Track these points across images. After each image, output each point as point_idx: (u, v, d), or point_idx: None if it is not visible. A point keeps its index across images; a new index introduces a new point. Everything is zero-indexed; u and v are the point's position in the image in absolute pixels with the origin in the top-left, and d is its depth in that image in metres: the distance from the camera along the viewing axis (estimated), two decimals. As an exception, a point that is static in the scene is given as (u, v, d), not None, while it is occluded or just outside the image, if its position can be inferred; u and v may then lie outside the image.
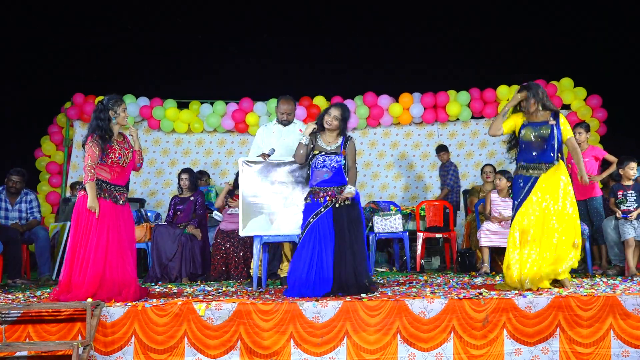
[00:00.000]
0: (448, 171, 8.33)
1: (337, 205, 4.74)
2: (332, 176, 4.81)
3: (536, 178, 4.87)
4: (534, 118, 4.97)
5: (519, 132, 4.98)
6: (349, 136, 4.96)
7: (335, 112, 4.84)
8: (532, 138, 4.91)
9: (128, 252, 4.67)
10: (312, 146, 4.89)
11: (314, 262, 4.64)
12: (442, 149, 8.47)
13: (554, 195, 4.85)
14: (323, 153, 4.84)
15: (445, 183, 8.35)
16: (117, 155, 4.63)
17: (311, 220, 4.74)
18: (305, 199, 4.88)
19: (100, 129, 4.58)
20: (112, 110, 4.64)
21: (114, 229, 4.60)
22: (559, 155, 4.93)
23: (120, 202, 4.69)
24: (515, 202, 4.96)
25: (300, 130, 5.45)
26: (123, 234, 4.66)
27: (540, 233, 4.82)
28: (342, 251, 4.67)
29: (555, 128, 4.88)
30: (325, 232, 4.71)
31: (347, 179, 4.83)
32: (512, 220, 4.98)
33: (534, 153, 4.91)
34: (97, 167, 4.57)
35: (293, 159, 5.05)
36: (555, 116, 4.93)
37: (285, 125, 5.67)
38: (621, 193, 6.15)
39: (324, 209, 4.76)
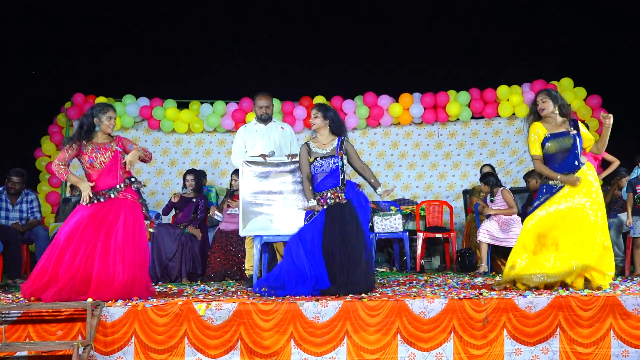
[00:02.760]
0: None
1: (331, 203, 4.82)
2: (327, 176, 4.88)
3: (560, 187, 4.79)
4: (555, 128, 4.88)
5: (542, 144, 4.88)
6: (344, 138, 5.02)
7: (313, 111, 4.98)
8: (556, 151, 4.84)
9: (113, 250, 4.60)
10: (309, 157, 4.96)
11: (301, 260, 4.68)
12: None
13: (580, 195, 4.73)
14: (319, 158, 4.92)
15: None
16: (87, 159, 4.72)
17: (306, 222, 4.86)
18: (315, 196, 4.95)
19: (78, 135, 4.77)
20: (96, 117, 4.77)
21: (88, 227, 4.61)
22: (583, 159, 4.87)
23: (100, 199, 4.68)
24: (535, 206, 4.87)
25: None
26: (105, 231, 4.63)
27: (564, 231, 4.69)
28: (331, 249, 4.69)
29: (577, 137, 4.82)
30: (314, 232, 4.77)
31: (341, 180, 4.90)
32: (525, 223, 4.88)
33: (556, 165, 4.84)
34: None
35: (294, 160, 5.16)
36: (575, 125, 4.86)
37: (265, 122, 5.70)
38: None
39: (316, 212, 4.85)
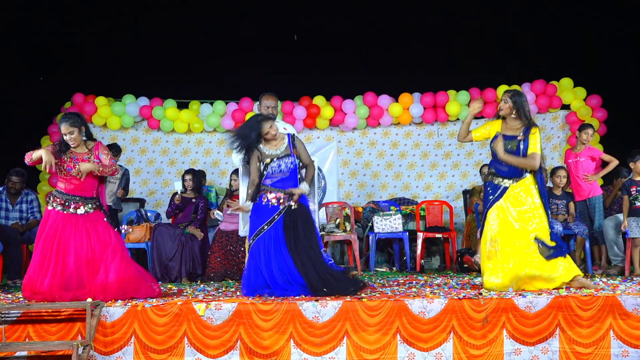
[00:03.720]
0: None
1: (292, 207, 4.71)
2: (288, 177, 4.77)
3: (505, 188, 4.81)
4: (509, 130, 4.87)
5: (491, 141, 4.91)
6: (292, 134, 4.92)
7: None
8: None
9: (94, 257, 4.69)
10: (260, 161, 4.77)
11: (275, 265, 4.63)
12: None
13: (520, 208, 4.77)
14: (275, 158, 4.76)
15: None
16: (66, 167, 4.76)
17: (265, 228, 4.70)
18: (255, 200, 4.77)
19: (59, 143, 4.79)
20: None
21: (64, 236, 4.69)
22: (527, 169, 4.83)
23: (78, 211, 4.77)
24: (485, 210, 4.89)
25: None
26: (84, 241, 4.71)
27: (509, 241, 4.74)
28: (301, 255, 4.62)
29: (521, 144, 4.78)
30: (277, 239, 4.68)
31: (299, 179, 4.80)
32: (481, 229, 4.93)
33: (503, 166, 4.84)
34: (57, 179, 4.87)
35: None
36: (527, 131, 4.80)
37: None
38: (635, 189, 6.14)
39: (277, 215, 4.71)
